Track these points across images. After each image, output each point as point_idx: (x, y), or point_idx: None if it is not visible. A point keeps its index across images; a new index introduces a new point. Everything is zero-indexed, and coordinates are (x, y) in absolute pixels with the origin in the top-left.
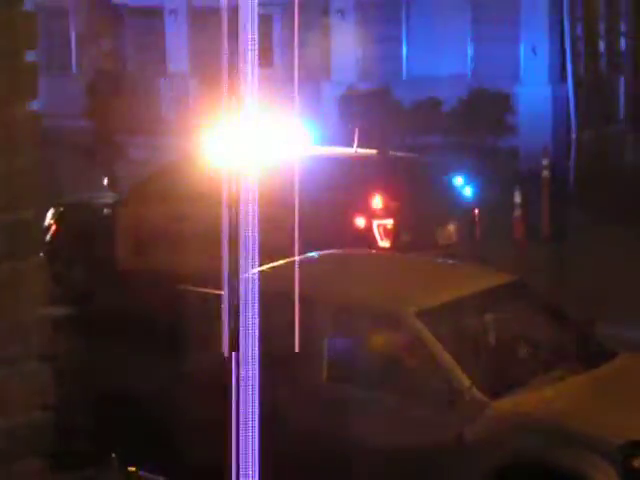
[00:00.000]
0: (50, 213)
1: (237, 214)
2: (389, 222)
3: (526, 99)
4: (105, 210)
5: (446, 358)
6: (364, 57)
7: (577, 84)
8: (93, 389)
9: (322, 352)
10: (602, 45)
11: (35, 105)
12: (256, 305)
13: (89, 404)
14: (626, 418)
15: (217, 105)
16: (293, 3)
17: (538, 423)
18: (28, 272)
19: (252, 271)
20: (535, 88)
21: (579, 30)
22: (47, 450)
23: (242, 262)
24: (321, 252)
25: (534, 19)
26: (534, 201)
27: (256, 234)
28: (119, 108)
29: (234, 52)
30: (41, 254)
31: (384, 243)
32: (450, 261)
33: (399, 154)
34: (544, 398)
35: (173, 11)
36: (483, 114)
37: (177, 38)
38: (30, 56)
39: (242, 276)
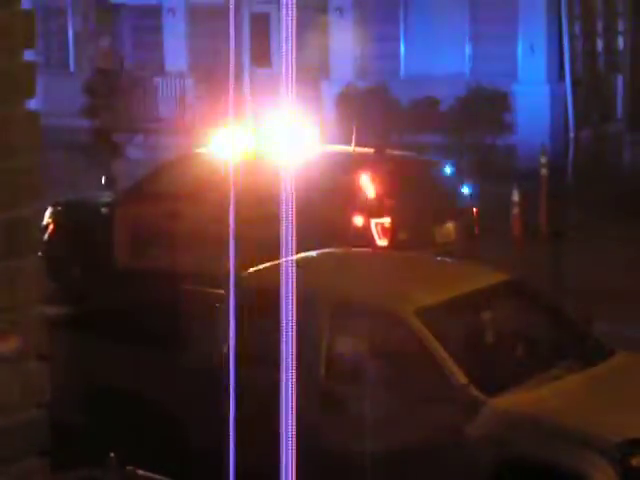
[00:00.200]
0: (48, 212)
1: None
2: (387, 221)
3: (524, 98)
4: (103, 209)
5: (444, 356)
6: (362, 55)
7: (575, 83)
8: (91, 388)
9: (321, 351)
10: (600, 44)
11: (33, 104)
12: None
13: (87, 403)
14: (624, 416)
15: (215, 104)
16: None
17: (536, 421)
18: (25, 271)
19: (251, 270)
20: (533, 87)
21: (577, 29)
22: (45, 449)
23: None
24: (319, 251)
25: (532, 18)
26: (532, 199)
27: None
28: (117, 107)
29: (233, 51)
30: (39, 253)
31: (382, 242)
32: (448, 259)
33: (397, 152)
34: (542, 396)
35: (171, 9)
36: (481, 113)
37: (175, 37)
38: (28, 55)
39: (241, 275)
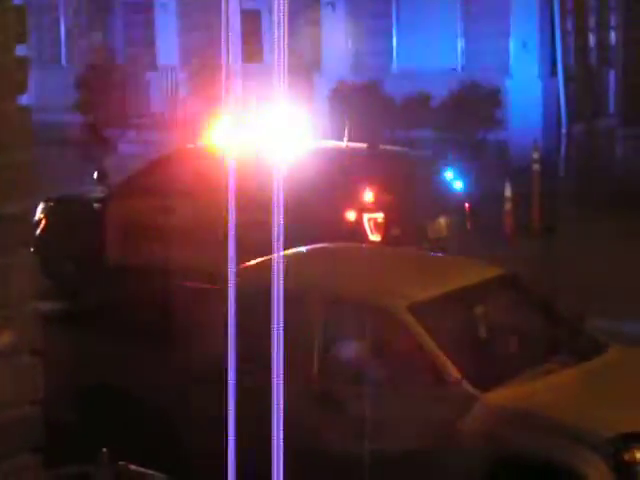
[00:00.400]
0: (40, 208)
1: (228, 209)
2: (379, 216)
3: (516, 93)
4: (95, 205)
5: (437, 351)
6: (355, 51)
7: (567, 78)
8: (84, 384)
9: (313, 348)
10: (592, 39)
11: (25, 99)
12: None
13: (80, 400)
14: (617, 411)
15: (207, 99)
16: None
17: (529, 416)
18: (18, 267)
19: (243, 265)
20: (525, 82)
21: (569, 24)
22: (38, 445)
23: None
24: (311, 246)
25: (524, 13)
26: (524, 195)
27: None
28: (109, 102)
29: (224, 46)
30: (31, 249)
31: (374, 237)
32: (441, 255)
33: (390, 148)
34: (535, 391)
35: (163, 4)
36: (473, 108)
37: (167, 32)
38: (20, 50)
39: (233, 270)
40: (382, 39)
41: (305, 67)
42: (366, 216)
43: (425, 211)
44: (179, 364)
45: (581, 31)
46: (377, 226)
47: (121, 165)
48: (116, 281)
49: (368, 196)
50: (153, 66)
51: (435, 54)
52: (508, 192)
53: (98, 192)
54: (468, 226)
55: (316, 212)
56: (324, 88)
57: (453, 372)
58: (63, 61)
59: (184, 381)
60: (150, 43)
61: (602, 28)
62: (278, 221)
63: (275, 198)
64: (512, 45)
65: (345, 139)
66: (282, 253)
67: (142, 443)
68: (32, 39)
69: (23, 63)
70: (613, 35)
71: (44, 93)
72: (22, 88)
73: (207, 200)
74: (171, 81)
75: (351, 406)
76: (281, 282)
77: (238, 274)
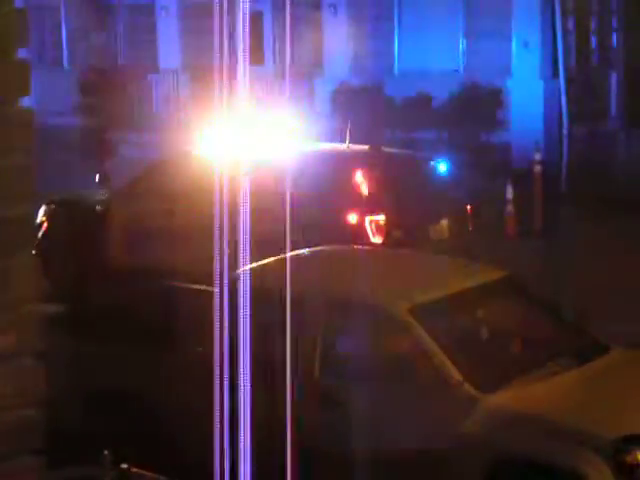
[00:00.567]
0: (42, 210)
1: (230, 212)
2: (381, 218)
3: (518, 94)
4: (97, 207)
5: (438, 353)
6: (356, 53)
7: (569, 79)
8: (85, 386)
9: (315, 348)
10: (594, 40)
11: (27, 101)
12: (248, 302)
13: (82, 402)
14: (619, 413)
15: (209, 102)
16: None
17: (531, 418)
18: (20, 269)
19: (244, 268)
20: (527, 83)
21: (571, 25)
22: (40, 447)
23: (235, 259)
24: (313, 248)
25: (526, 14)
26: (526, 197)
27: (248, 231)
28: (111, 105)
29: (226, 49)
30: (33, 251)
31: (376, 239)
32: (442, 256)
33: (391, 150)
34: (537, 393)
35: (164, 7)
36: (475, 109)
37: (169, 34)
38: (22, 53)
39: (234, 273)
40: (383, 41)
41: (307, 69)
42: (368, 218)
43: (427, 213)
44: (181, 365)
45: (583, 32)
46: (379, 228)
47: (123, 168)
48: (118, 284)
49: (370, 198)
50: (155, 69)
51: (436, 56)
52: (509, 194)
53: (100, 195)
54: (470, 228)
55: (318, 214)
56: (326, 90)
57: (455, 374)
58: (65, 64)
59: (186, 383)
60: (152, 46)
61: (604, 29)
62: (279, 223)
63: (278, 200)
64: (513, 46)
65: (347, 141)
66: (284, 255)
67: (144, 446)
68: (34, 42)
69: (24, 66)
70: (615, 36)
71: (46, 96)
72: (24, 91)
73: (208, 203)
74: (173, 84)
75: (352, 407)
76: (285, 282)
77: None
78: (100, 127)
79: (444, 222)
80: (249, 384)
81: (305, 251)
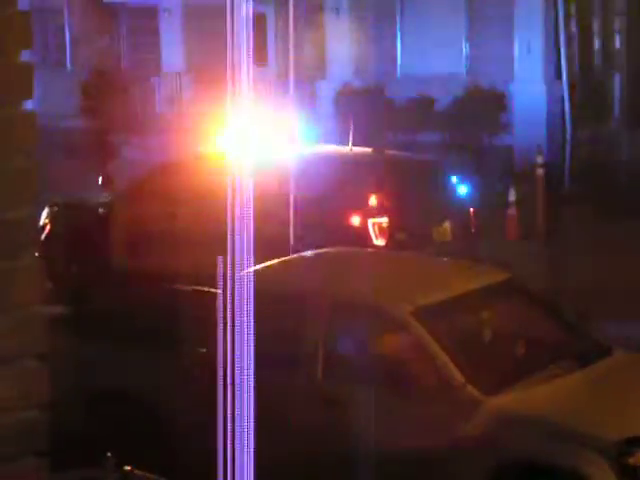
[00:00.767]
0: (45, 213)
1: (233, 214)
2: (384, 220)
3: (521, 97)
4: (100, 210)
5: (441, 355)
6: (359, 55)
7: (572, 82)
8: (89, 388)
9: (318, 351)
10: (597, 43)
11: (30, 104)
12: (251, 304)
13: (85, 404)
14: (621, 415)
15: (212, 104)
16: (287, 1)
17: (533, 420)
18: (23, 271)
19: (248, 270)
20: (530, 86)
21: (574, 28)
22: (43, 449)
23: (238, 261)
24: (316, 250)
25: (528, 17)
26: (529, 199)
27: (251, 233)
28: (114, 107)
29: (229, 50)
30: (36, 254)
31: (379, 241)
32: (445, 259)
33: (394, 152)
34: (540, 395)
35: (167, 9)
36: (478, 112)
37: (172, 36)
38: (25, 55)
39: (238, 275)
40: (386, 43)
41: (310, 71)
42: (371, 221)
43: (430, 215)
44: (183, 367)
45: (585, 35)
46: (382, 230)
47: (125, 170)
48: (120, 286)
49: (373, 201)
50: (158, 71)
51: (439, 59)
52: (512, 196)
53: (103, 197)
54: (472, 230)
55: (321, 216)
56: (328, 92)
57: (457, 376)
58: (68, 66)
59: (188, 385)
60: (155, 48)
61: (606, 32)
62: (283, 225)
63: (282, 203)
64: (516, 50)
65: (349, 143)
66: (288, 258)
67: (146, 448)
68: (37, 44)
69: (28, 68)
70: (617, 39)
71: (49, 98)
72: (27, 93)
73: (211, 206)
74: (176, 86)
75: (355, 409)
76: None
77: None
78: (103, 129)
79: (447, 224)
80: (252, 384)
81: (308, 253)
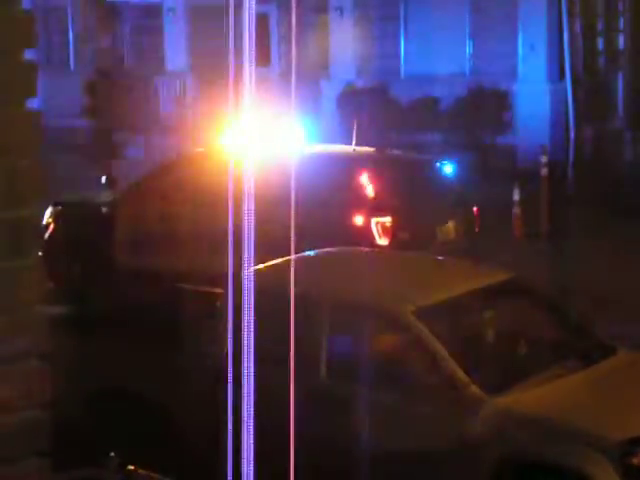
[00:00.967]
0: (48, 212)
1: (236, 212)
2: (387, 220)
3: (524, 97)
4: (103, 209)
5: (444, 355)
6: (362, 55)
7: (575, 82)
8: (92, 388)
9: (320, 350)
10: (601, 42)
11: (34, 103)
12: (252, 303)
13: (88, 403)
14: (625, 415)
15: (215, 104)
16: (290, 1)
17: (537, 420)
18: (26, 271)
19: (250, 269)
20: (533, 86)
21: (577, 27)
22: (45, 449)
23: (240, 260)
24: (318, 250)
25: (532, 16)
26: (533, 199)
27: (252, 232)
28: (117, 106)
29: (232, 51)
30: (39, 253)
31: (382, 241)
32: (449, 258)
33: (398, 152)
34: (543, 395)
35: (171, 9)
36: (481, 112)
37: (175, 36)
38: (29, 55)
39: (240, 274)
40: (390, 43)
41: (313, 71)
42: (374, 220)
43: (433, 215)
44: (187, 366)
45: (589, 34)
46: (385, 230)
47: (129, 170)
48: (124, 285)
49: (376, 200)
50: (161, 71)
51: (443, 58)
52: (516, 196)
53: (106, 196)
54: (476, 229)
55: (324, 216)
56: (332, 91)
57: (461, 376)
58: (71, 65)
59: (192, 383)
60: (158, 48)
61: (610, 31)
62: (285, 225)
63: (283, 202)
64: (520, 49)
65: (353, 143)
66: (290, 257)
67: (150, 447)
68: (40, 43)
69: (32, 67)
70: (621, 38)
71: (53, 97)
72: (31, 92)
73: (215, 204)
74: (179, 85)
75: (358, 409)
76: (289, 284)
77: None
78: (106, 129)
79: (450, 224)
80: (253, 383)
81: (311, 253)
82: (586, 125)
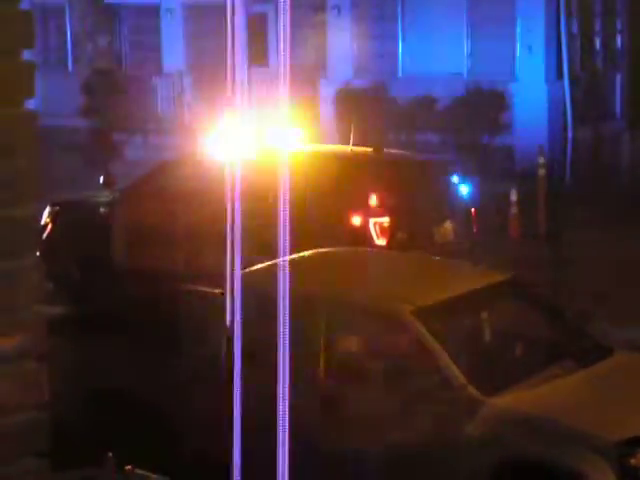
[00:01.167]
0: (46, 212)
1: (232, 212)
2: (385, 220)
3: (522, 97)
4: (101, 209)
5: (442, 356)
6: (360, 54)
7: (573, 82)
8: (90, 388)
9: (319, 351)
10: (598, 42)
11: (32, 103)
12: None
13: (86, 404)
14: (622, 416)
15: (213, 103)
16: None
17: (534, 421)
18: (24, 271)
19: (246, 270)
20: (531, 86)
21: (575, 28)
22: (44, 449)
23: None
24: (317, 250)
25: (530, 17)
26: (530, 199)
27: (239, 232)
28: (115, 107)
29: (229, 51)
30: (37, 253)
31: (380, 241)
32: (447, 259)
33: (395, 152)
34: (541, 395)
35: (169, 9)
36: (479, 112)
37: (173, 36)
38: (27, 55)
39: (238, 274)
40: (388, 43)
41: (311, 71)
42: (372, 220)
43: (431, 215)
44: (184, 368)
45: (587, 35)
46: (383, 230)
47: (127, 170)
48: (122, 285)
49: (374, 200)
50: (159, 71)
51: (441, 58)
52: (514, 196)
53: (104, 196)
54: (474, 230)
55: (322, 216)
56: (329, 91)
57: (458, 376)
58: (69, 65)
59: (189, 384)
60: (156, 48)
61: (608, 31)
62: (283, 225)
63: (281, 202)
64: (518, 49)
65: (350, 143)
66: (287, 258)
67: (148, 447)
68: (39, 43)
69: (30, 67)
70: (619, 39)
71: (50, 97)
72: (29, 92)
73: (212, 204)
74: (177, 86)
75: (356, 409)
76: (286, 285)
77: (242, 279)
78: (104, 129)
79: (448, 224)
80: (240, 384)
81: (310, 253)
82: (584, 125)
